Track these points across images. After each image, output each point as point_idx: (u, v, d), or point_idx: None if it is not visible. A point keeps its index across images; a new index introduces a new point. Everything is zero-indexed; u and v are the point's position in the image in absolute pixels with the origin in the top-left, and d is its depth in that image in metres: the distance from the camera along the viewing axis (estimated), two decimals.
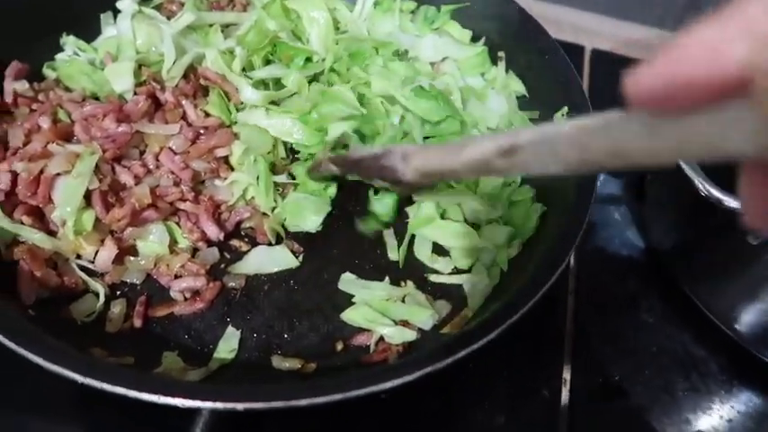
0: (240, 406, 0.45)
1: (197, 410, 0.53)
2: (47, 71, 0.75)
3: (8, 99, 0.70)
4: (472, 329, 0.54)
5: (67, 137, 0.68)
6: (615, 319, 0.80)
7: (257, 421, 0.62)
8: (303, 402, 0.46)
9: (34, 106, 0.70)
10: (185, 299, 0.63)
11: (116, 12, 0.81)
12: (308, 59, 0.78)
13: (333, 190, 0.71)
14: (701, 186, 0.63)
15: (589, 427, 0.70)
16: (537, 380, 0.71)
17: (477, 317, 0.63)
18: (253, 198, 0.69)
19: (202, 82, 0.75)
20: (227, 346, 0.60)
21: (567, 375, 0.73)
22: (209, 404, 0.45)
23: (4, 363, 0.61)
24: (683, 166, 0.65)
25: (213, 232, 0.66)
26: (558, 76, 0.75)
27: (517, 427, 0.67)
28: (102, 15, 0.80)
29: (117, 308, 0.61)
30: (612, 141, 0.30)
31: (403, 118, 0.73)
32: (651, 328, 0.79)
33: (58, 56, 0.77)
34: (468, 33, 0.85)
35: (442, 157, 0.48)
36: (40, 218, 0.63)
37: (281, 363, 0.60)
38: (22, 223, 0.61)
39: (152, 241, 0.63)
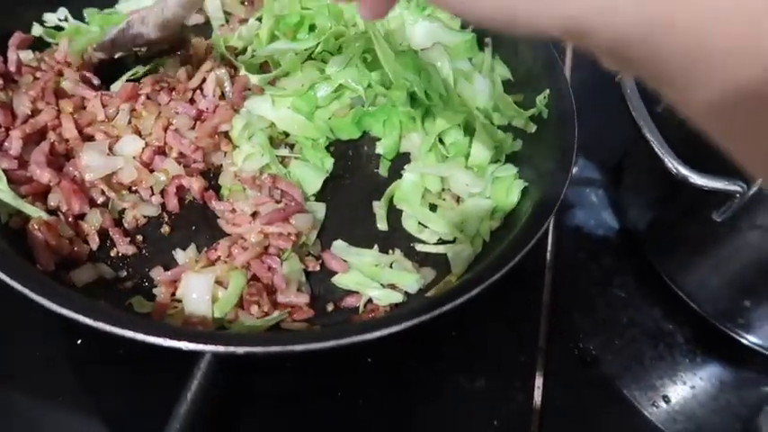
0: (240, 350, 0.48)
1: (194, 363, 0.56)
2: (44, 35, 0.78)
3: (12, 68, 0.72)
4: (454, 288, 0.58)
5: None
6: (589, 293, 0.84)
7: (251, 379, 0.66)
8: (299, 348, 0.49)
9: (38, 74, 0.73)
10: None
11: None
12: (312, 29, 0.81)
13: (329, 163, 0.75)
14: (670, 165, 0.68)
15: (563, 391, 0.74)
16: (515, 347, 0.75)
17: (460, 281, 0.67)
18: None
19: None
20: None
21: (542, 344, 0.77)
22: (210, 347, 0.48)
23: None
24: (655, 146, 0.69)
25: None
26: (542, 62, 0.80)
27: (495, 389, 0.71)
28: None
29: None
30: None
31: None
32: (623, 302, 0.84)
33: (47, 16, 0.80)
34: (457, 20, 0.89)
35: (160, 8, 0.68)
36: (43, 199, 0.65)
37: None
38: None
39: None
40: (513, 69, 0.85)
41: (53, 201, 0.65)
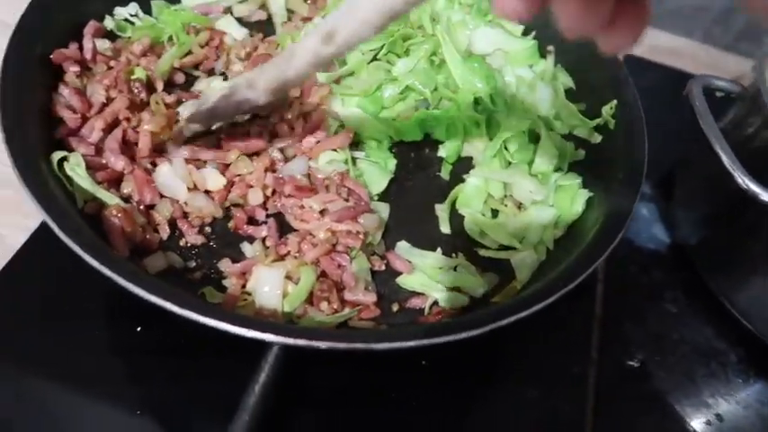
0: (323, 345, 0.49)
1: (261, 355, 0.56)
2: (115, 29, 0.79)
3: (87, 56, 0.73)
4: (528, 296, 0.58)
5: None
6: (641, 307, 0.84)
7: (306, 371, 0.66)
8: (380, 347, 0.49)
9: (112, 63, 0.73)
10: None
11: None
12: None
13: (392, 164, 0.75)
14: (740, 180, 0.67)
15: (614, 403, 0.74)
16: (567, 359, 0.75)
17: (526, 289, 0.67)
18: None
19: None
20: None
21: (594, 355, 0.77)
22: (290, 341, 0.49)
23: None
24: (724, 159, 0.69)
25: None
26: (607, 72, 0.79)
27: (548, 399, 0.70)
28: None
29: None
30: None
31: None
32: (674, 317, 0.84)
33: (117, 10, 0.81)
34: (519, 27, 0.89)
35: (281, 70, 0.56)
36: (117, 186, 0.66)
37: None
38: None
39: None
40: (576, 78, 0.85)
41: (126, 189, 0.66)
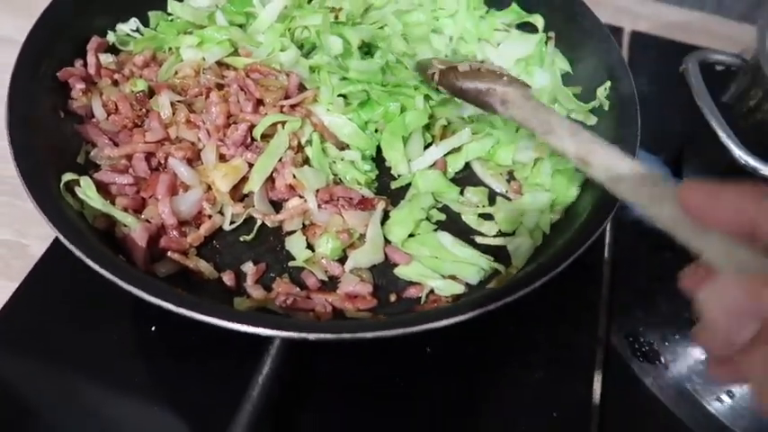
0: (312, 336, 0.50)
1: (264, 349, 0.59)
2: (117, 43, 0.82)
3: (92, 71, 0.76)
4: (517, 280, 0.58)
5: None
6: (649, 288, 0.83)
7: (314, 360, 0.68)
8: (369, 335, 0.51)
9: (116, 76, 0.77)
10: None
11: None
12: None
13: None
14: (738, 156, 0.67)
15: (623, 384, 0.74)
16: (574, 340, 0.75)
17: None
18: None
19: None
20: None
21: (602, 337, 0.77)
22: (284, 333, 0.51)
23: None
24: (721, 134, 0.68)
25: None
26: (602, 53, 0.79)
27: (555, 382, 0.71)
28: None
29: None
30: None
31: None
32: (685, 297, 0.82)
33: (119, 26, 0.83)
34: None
35: (533, 121, 0.60)
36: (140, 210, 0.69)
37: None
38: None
39: None
40: (572, 61, 0.85)
41: (147, 214, 0.68)
